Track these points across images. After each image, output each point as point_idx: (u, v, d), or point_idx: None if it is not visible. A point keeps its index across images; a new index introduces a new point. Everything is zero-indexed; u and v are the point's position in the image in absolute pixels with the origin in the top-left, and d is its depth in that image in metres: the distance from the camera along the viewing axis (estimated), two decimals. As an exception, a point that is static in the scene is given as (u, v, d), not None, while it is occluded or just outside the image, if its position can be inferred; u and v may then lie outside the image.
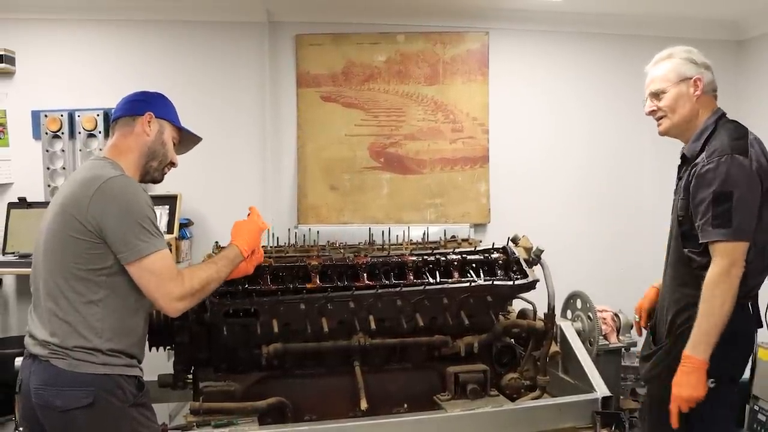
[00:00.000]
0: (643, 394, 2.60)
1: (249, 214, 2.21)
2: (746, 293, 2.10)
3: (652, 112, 2.27)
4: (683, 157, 2.25)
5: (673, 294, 2.21)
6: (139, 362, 1.95)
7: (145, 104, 2.04)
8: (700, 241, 2.07)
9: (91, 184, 1.84)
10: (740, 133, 2.12)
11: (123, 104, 2.06)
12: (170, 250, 3.54)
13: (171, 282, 1.85)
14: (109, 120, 2.38)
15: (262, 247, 2.37)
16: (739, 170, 2.02)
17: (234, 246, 2.09)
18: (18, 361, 2.03)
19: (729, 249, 2.02)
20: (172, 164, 2.11)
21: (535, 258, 2.47)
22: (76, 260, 1.82)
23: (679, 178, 2.25)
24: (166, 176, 2.12)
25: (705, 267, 2.06)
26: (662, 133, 2.28)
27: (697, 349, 2.02)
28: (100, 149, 3.87)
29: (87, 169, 1.94)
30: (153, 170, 2.05)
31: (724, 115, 2.21)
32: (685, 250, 2.16)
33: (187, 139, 2.17)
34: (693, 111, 2.19)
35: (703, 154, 2.09)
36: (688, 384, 2.03)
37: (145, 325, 1.99)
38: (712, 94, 2.22)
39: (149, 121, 2.01)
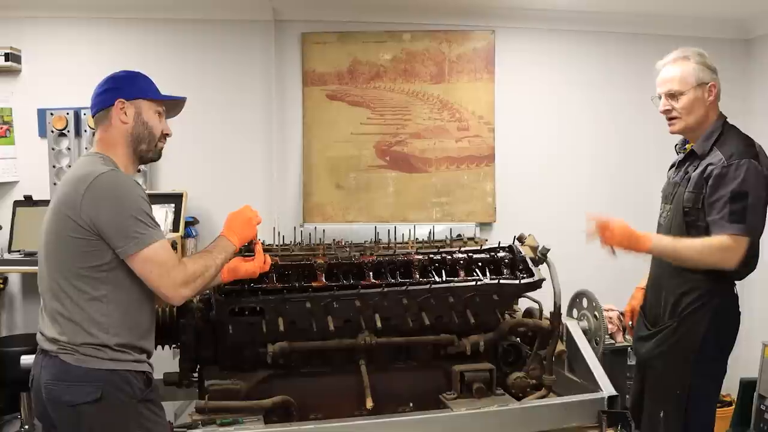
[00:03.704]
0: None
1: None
2: (740, 277, 2.34)
3: (666, 111, 2.39)
4: (691, 152, 2.40)
5: (675, 278, 2.35)
6: (149, 356, 1.96)
7: (113, 92, 1.97)
8: (713, 234, 2.23)
9: (82, 182, 1.83)
10: (750, 140, 2.32)
11: (93, 99, 2.01)
12: (176, 248, 3.58)
13: (174, 269, 1.84)
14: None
15: (268, 245, 2.38)
16: (755, 174, 2.22)
17: (223, 237, 2.05)
18: (24, 359, 2.04)
19: (740, 242, 2.20)
20: (166, 135, 2.06)
21: (541, 257, 2.47)
22: (75, 259, 1.82)
23: (685, 172, 2.39)
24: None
25: None
26: (674, 132, 2.43)
27: (658, 245, 2.30)
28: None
29: (78, 167, 1.93)
30: (145, 152, 2.02)
31: (726, 119, 2.39)
32: None
33: (172, 103, 2.10)
34: (705, 114, 2.36)
35: (720, 156, 2.26)
36: (628, 237, 2.28)
37: (152, 317, 1.99)
38: (718, 99, 2.39)
39: (122, 108, 1.96)
